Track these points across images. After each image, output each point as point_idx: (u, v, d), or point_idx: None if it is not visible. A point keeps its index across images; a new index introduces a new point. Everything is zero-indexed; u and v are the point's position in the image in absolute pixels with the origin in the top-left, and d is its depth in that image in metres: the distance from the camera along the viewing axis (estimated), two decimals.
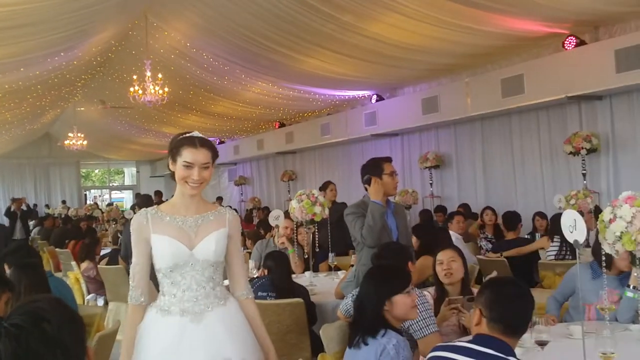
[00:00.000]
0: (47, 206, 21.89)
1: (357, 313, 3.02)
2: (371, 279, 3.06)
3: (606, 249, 3.01)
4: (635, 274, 3.31)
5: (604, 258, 3.20)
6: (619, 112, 8.38)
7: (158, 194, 14.19)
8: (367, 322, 2.91)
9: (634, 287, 3.43)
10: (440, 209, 10.05)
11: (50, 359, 1.42)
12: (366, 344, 2.83)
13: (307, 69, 10.66)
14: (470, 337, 2.32)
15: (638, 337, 3.20)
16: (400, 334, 2.91)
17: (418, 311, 3.11)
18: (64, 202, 21.89)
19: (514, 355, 2.14)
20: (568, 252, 6.14)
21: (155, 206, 2.75)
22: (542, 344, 2.84)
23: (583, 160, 8.52)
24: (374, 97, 12.44)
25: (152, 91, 10.36)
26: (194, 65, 11.75)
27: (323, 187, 8.11)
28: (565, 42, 8.44)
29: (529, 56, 9.09)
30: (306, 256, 6.29)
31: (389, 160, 4.55)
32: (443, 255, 3.83)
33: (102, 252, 9.42)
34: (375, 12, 7.86)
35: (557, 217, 6.67)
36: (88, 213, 15.48)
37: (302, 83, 11.86)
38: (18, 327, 1.42)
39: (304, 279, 5.63)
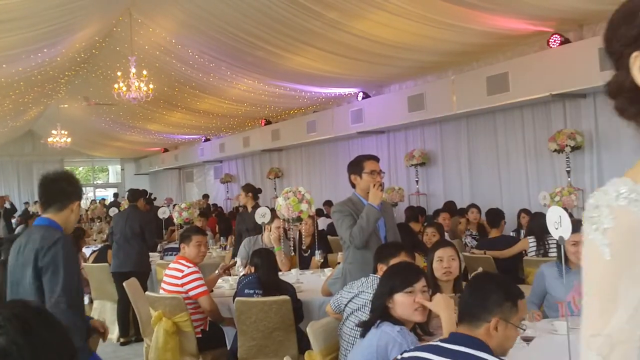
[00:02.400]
0: (27, 203, 21.51)
1: (371, 307, 3.04)
2: (383, 275, 3.07)
3: None
4: None
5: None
6: (603, 110, 8.44)
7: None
8: (373, 314, 2.90)
9: None
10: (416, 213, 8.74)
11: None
12: (367, 334, 2.83)
13: (293, 66, 10.64)
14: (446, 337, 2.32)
15: None
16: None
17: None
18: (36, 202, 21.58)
19: (488, 352, 2.09)
20: (542, 250, 6.26)
21: None
22: (527, 339, 2.85)
23: (567, 157, 8.59)
24: (360, 94, 12.45)
25: (137, 88, 10.29)
26: (179, 62, 11.69)
27: None
28: (550, 40, 8.49)
29: (514, 54, 9.15)
30: (306, 253, 6.37)
31: (372, 158, 4.46)
32: (444, 253, 3.79)
33: (88, 250, 9.35)
34: (361, 9, 7.86)
35: (534, 216, 6.77)
36: None
37: (288, 80, 11.84)
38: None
39: (290, 276, 5.63)
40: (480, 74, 9.39)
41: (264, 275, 4.82)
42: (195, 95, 13.86)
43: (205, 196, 18.16)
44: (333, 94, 12.97)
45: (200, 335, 4.86)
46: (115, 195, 22.17)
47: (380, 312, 2.85)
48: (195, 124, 16.96)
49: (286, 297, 4.52)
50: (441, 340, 2.24)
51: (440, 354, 2.12)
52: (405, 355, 2.24)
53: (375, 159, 4.49)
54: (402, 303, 2.86)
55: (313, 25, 8.59)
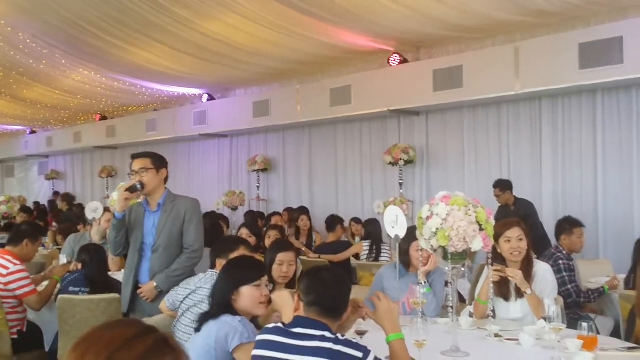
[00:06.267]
0: None
1: (210, 302, 2.92)
2: (225, 268, 2.98)
3: (423, 244, 3.18)
4: (448, 269, 3.52)
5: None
6: (434, 127, 9.08)
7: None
8: (214, 309, 2.81)
9: (424, 282, 3.69)
10: (256, 217, 9.06)
11: None
12: (203, 327, 2.73)
13: (135, 60, 10.19)
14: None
15: (444, 330, 3.44)
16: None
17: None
18: None
19: (330, 331, 2.24)
20: (374, 255, 6.63)
21: None
22: (360, 333, 2.94)
23: (400, 170, 9.10)
24: (205, 96, 12.26)
25: None
26: (7, 44, 10.69)
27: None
28: (390, 58, 8.98)
29: (357, 69, 9.54)
30: None
31: (132, 157, 4.12)
32: (284, 257, 3.90)
33: None
34: (214, 10, 7.74)
35: (369, 222, 7.12)
36: None
37: (129, 75, 11.32)
38: None
39: (120, 275, 5.32)
40: (325, 86, 9.67)
41: (92, 273, 4.53)
42: (22, 83, 12.73)
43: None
44: (176, 94, 12.63)
45: (16, 336, 4.42)
46: None
47: (223, 304, 2.78)
48: (21, 114, 15.58)
49: (116, 295, 4.26)
50: (284, 324, 2.35)
51: (286, 335, 2.26)
52: (258, 337, 2.34)
53: (136, 157, 4.11)
54: (249, 296, 2.82)
55: (162, 21, 8.29)
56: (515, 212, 7.13)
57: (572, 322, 3.75)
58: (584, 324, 2.99)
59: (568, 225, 5.34)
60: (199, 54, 9.41)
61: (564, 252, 5.13)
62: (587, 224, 6.57)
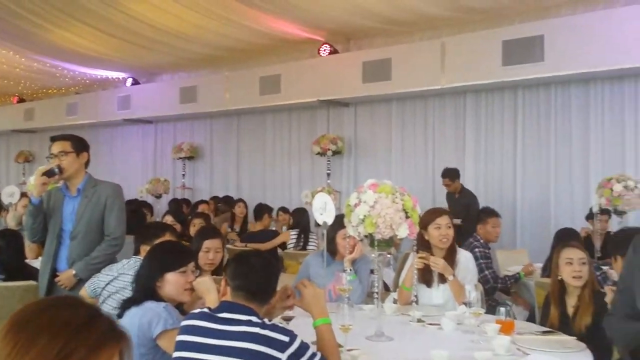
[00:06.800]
0: None
1: (133, 287, 2.83)
2: (150, 254, 2.90)
3: (350, 231, 3.20)
4: (374, 256, 3.56)
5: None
6: (362, 119, 9.18)
7: None
8: (137, 294, 2.73)
9: (350, 270, 3.74)
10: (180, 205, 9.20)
11: None
12: (125, 314, 2.65)
13: (57, 40, 9.77)
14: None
15: (369, 315, 3.49)
16: None
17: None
18: None
19: (257, 316, 2.24)
20: (301, 243, 6.66)
21: None
22: (287, 319, 2.95)
23: (328, 161, 9.15)
24: (130, 80, 11.91)
25: None
26: None
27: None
28: (321, 49, 8.99)
29: (287, 58, 9.51)
30: None
31: (50, 139, 3.97)
32: (211, 244, 3.86)
33: None
34: None
35: (297, 211, 7.14)
36: None
37: (50, 56, 10.84)
38: None
39: (37, 262, 5.10)
40: (254, 74, 9.59)
41: (8, 259, 4.33)
42: None
43: None
44: (100, 77, 12.22)
45: None
46: None
47: (147, 291, 2.71)
48: None
49: (33, 282, 4.09)
50: (210, 309, 2.32)
51: (211, 320, 2.23)
52: (183, 323, 2.31)
53: (56, 139, 3.94)
54: (174, 282, 2.77)
55: (86, 0, 7.97)
56: (459, 200, 7.33)
57: (491, 308, 3.90)
58: (502, 309, 3.11)
59: (484, 215, 5.54)
60: (124, 36, 9.12)
61: (481, 240, 5.32)
62: (506, 215, 6.85)
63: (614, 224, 5.60)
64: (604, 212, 5.60)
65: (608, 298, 3.09)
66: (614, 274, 4.14)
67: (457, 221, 6.58)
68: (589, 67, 6.81)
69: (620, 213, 5.40)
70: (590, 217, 6.04)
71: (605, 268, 4.59)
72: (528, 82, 7.53)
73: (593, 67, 6.79)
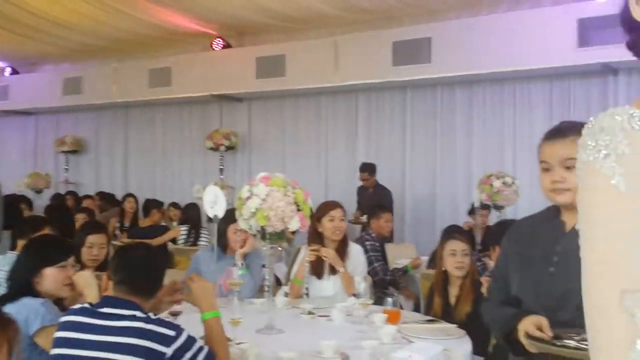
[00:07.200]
0: None
1: (9, 284, 2.65)
2: (27, 248, 2.74)
3: (242, 224, 3.17)
4: (266, 249, 3.54)
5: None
6: (256, 115, 9.15)
7: None
8: (12, 291, 2.56)
9: (242, 264, 3.73)
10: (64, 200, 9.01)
11: None
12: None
13: None
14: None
15: (260, 309, 3.47)
16: None
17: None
18: None
19: (141, 310, 2.17)
20: (192, 238, 6.54)
21: None
22: (175, 314, 2.88)
23: (222, 156, 9.04)
24: (8, 69, 11.19)
25: None
26: None
27: None
28: (214, 43, 8.86)
29: (178, 51, 9.29)
30: None
31: None
32: (95, 239, 3.68)
33: None
34: None
35: (188, 206, 7.02)
36: None
37: None
38: None
39: None
40: (143, 66, 9.30)
41: None
42: None
43: None
44: None
45: None
46: None
47: (24, 287, 2.56)
48: None
49: None
50: (91, 305, 2.24)
51: (92, 316, 2.16)
52: (62, 319, 2.22)
53: None
54: (53, 277, 2.64)
55: None
56: (372, 195, 7.42)
57: (379, 300, 4.00)
58: (389, 299, 3.20)
59: (377, 210, 5.72)
60: (2, 24, 8.52)
61: (372, 234, 5.48)
62: (395, 211, 7.05)
63: (494, 218, 5.92)
64: (485, 207, 5.90)
65: (484, 288, 3.26)
66: (492, 265, 4.37)
67: (363, 218, 6.74)
68: (472, 70, 7.16)
69: (499, 207, 5.71)
70: (472, 212, 6.34)
71: (485, 259, 4.84)
72: (416, 83, 7.80)
73: (476, 70, 7.14)
